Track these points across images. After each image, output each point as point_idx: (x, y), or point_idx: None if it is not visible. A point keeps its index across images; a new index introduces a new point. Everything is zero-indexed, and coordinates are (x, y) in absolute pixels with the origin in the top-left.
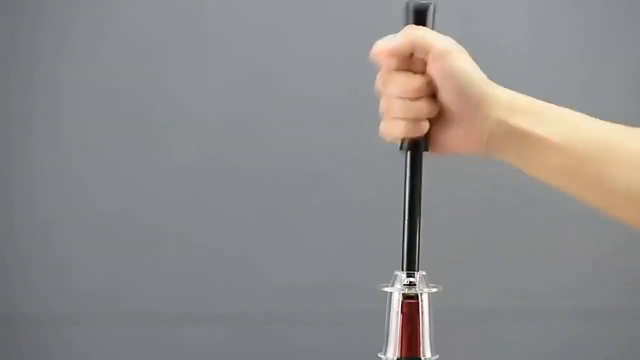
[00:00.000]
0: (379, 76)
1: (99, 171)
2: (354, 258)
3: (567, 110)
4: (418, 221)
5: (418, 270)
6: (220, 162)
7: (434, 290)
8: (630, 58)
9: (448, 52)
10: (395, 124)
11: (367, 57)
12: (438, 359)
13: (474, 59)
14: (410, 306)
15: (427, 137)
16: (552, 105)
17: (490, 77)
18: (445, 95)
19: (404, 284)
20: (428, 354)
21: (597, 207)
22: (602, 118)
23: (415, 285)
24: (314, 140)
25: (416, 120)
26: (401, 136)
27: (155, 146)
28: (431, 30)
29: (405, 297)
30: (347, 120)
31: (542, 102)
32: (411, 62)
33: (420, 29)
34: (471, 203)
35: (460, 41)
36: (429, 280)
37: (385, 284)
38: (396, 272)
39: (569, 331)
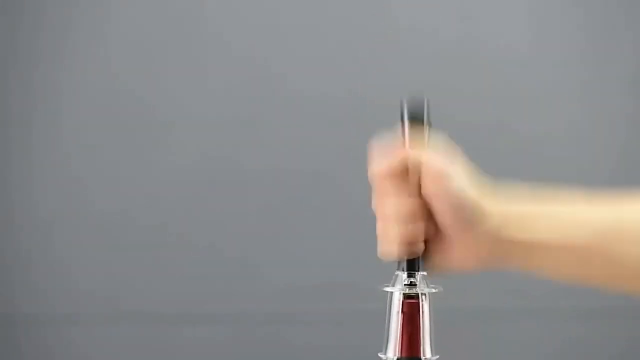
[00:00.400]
0: (374, 198)
1: (99, 171)
2: (354, 258)
3: (564, 204)
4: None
5: (419, 271)
6: (221, 162)
7: (434, 290)
8: (630, 58)
9: (440, 170)
10: (392, 246)
11: (367, 57)
12: (438, 359)
13: (474, 60)
14: (411, 306)
15: (424, 256)
16: (548, 201)
17: (490, 77)
18: (440, 217)
19: (405, 284)
20: (428, 354)
21: (608, 287)
22: (602, 118)
23: (416, 285)
24: (314, 140)
25: (412, 242)
26: (398, 258)
27: (156, 146)
28: (424, 137)
29: (406, 297)
30: (347, 120)
31: (536, 201)
32: (406, 182)
33: (412, 139)
34: None
35: (460, 41)
36: (429, 281)
37: (386, 284)
38: (397, 272)
39: (569, 331)
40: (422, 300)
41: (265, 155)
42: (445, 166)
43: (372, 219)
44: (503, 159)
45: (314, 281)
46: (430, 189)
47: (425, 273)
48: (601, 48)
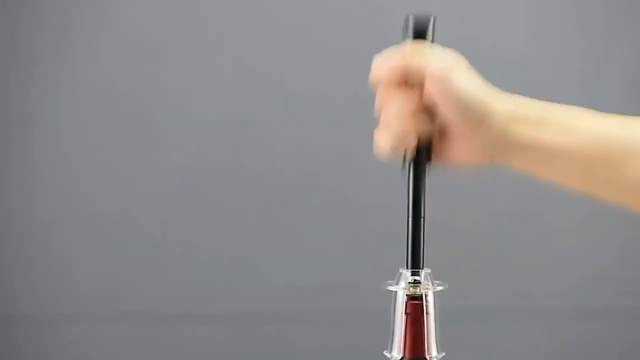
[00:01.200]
0: (378, 92)
1: (99, 171)
2: (354, 258)
3: (571, 111)
4: (423, 217)
5: (423, 268)
6: (220, 162)
7: (439, 288)
8: (630, 58)
9: (444, 71)
10: (394, 139)
11: (367, 57)
12: (444, 357)
13: (474, 60)
14: (415, 307)
15: (430, 148)
16: (556, 108)
17: (490, 78)
18: (444, 113)
19: (409, 282)
20: (434, 353)
21: (611, 201)
22: None
23: (419, 283)
24: (314, 141)
25: (415, 136)
26: (399, 150)
27: (155, 146)
28: (428, 47)
29: (411, 297)
30: (347, 120)
31: (544, 106)
32: (410, 77)
33: (417, 47)
34: (472, 203)
35: (459, 41)
36: (433, 278)
37: (390, 281)
38: (401, 270)
39: (569, 331)
40: (426, 302)
41: (265, 155)
42: (447, 67)
43: (372, 219)
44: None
45: (314, 281)
46: (432, 86)
47: (429, 270)
48: (601, 48)
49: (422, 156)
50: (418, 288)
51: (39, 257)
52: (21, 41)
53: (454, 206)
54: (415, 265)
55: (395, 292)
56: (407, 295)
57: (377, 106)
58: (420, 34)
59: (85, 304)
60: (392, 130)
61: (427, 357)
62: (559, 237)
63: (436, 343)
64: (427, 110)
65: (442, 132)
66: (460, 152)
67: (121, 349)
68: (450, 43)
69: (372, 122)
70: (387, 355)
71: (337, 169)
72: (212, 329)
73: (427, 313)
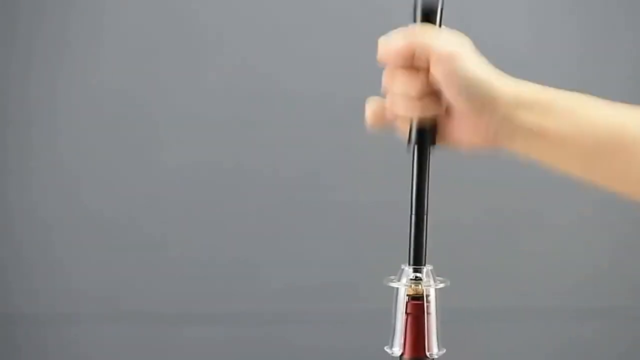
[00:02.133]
0: (384, 73)
1: (98, 172)
2: (354, 258)
3: (577, 99)
4: (425, 213)
5: (425, 265)
6: (220, 162)
7: (441, 285)
8: (630, 58)
9: (449, 56)
10: (399, 120)
11: (367, 57)
12: (444, 357)
13: None
14: (416, 307)
15: (434, 130)
16: (562, 95)
17: None
18: (449, 96)
19: (410, 279)
20: (434, 350)
21: (612, 190)
22: None
23: (421, 280)
24: (314, 141)
25: (419, 117)
26: (405, 130)
27: (155, 147)
28: (434, 30)
29: (412, 297)
30: (347, 120)
31: (550, 92)
32: (416, 59)
33: (423, 30)
34: (473, 203)
35: None
36: (435, 274)
37: (392, 277)
38: (402, 266)
39: (569, 331)
40: (427, 302)
41: (265, 156)
42: (454, 49)
43: (372, 219)
44: (503, 160)
45: (314, 281)
46: (437, 70)
47: (432, 267)
48: (601, 48)
49: (426, 138)
50: (420, 285)
51: (38, 257)
52: (20, 41)
53: (453, 206)
54: (418, 261)
55: (397, 288)
56: (408, 295)
57: (383, 86)
58: (428, 15)
59: (85, 304)
60: (396, 111)
61: (428, 354)
62: (559, 236)
63: (438, 341)
64: (433, 92)
65: (447, 114)
66: (464, 134)
67: (121, 349)
68: None
69: None
70: (388, 351)
71: (337, 169)
72: (212, 329)
73: (427, 313)
